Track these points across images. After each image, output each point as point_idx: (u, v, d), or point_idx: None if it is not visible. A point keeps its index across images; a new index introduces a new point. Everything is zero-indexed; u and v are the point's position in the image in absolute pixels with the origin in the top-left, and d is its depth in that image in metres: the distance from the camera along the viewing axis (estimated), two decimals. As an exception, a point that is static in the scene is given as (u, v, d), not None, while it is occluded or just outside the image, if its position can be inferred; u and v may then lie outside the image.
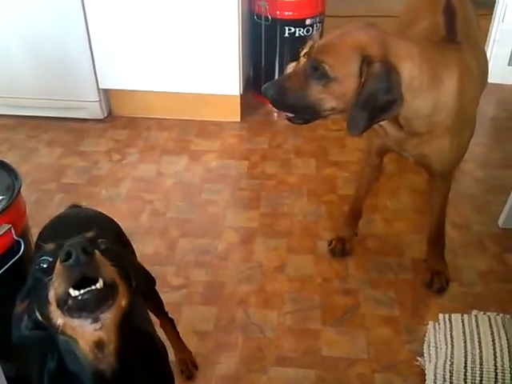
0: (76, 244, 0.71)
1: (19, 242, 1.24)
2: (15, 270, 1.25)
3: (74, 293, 0.71)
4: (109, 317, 0.75)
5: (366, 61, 1.23)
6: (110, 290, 0.74)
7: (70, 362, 0.81)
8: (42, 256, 0.79)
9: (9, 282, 1.26)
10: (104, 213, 1.27)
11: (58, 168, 2.34)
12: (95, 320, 0.74)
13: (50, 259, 0.77)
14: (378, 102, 1.25)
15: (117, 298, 0.75)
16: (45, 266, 0.78)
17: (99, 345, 0.78)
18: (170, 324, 1.41)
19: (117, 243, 1.15)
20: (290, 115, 1.37)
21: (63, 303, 0.72)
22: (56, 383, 0.85)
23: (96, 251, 0.73)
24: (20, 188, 1.29)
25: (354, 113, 1.28)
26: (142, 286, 0.91)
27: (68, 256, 0.70)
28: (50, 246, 0.80)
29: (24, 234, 1.30)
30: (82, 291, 0.71)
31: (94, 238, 0.80)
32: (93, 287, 0.71)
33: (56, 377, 0.84)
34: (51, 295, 0.74)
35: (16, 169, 1.34)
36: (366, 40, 1.25)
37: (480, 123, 2.66)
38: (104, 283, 0.72)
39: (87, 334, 0.76)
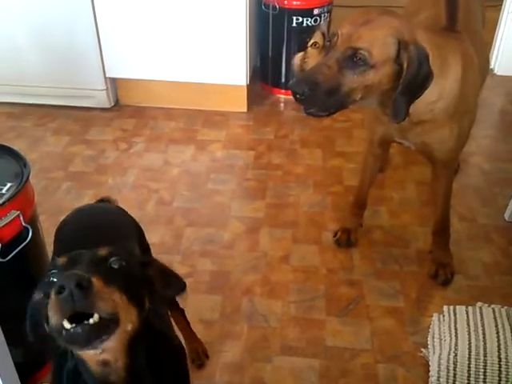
0: (70, 277, 0.67)
1: (27, 228, 1.25)
2: (23, 257, 1.26)
3: (66, 325, 0.68)
4: (110, 344, 0.73)
5: (402, 45, 1.23)
6: (106, 324, 0.70)
7: (82, 368, 0.81)
8: (53, 269, 0.77)
9: (17, 268, 1.28)
10: (125, 210, 1.26)
11: (65, 156, 2.35)
12: (93, 348, 0.72)
13: (59, 274, 0.76)
14: (418, 81, 1.26)
15: (116, 329, 0.72)
16: (54, 279, 0.76)
17: (105, 363, 0.77)
18: (180, 314, 1.41)
19: (136, 244, 1.15)
20: (313, 109, 1.31)
21: (57, 333, 0.70)
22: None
23: (94, 282, 0.69)
24: (29, 175, 1.30)
25: (397, 100, 1.28)
26: (174, 292, 0.89)
27: (61, 289, 0.67)
28: (61, 260, 0.78)
29: (32, 220, 1.31)
30: (73, 325, 0.68)
31: (106, 256, 0.77)
32: (85, 322, 0.68)
33: (74, 378, 0.84)
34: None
35: (24, 156, 1.35)
36: (399, 25, 1.25)
37: (488, 116, 2.68)
38: (100, 317, 0.69)
39: (90, 356, 0.76)
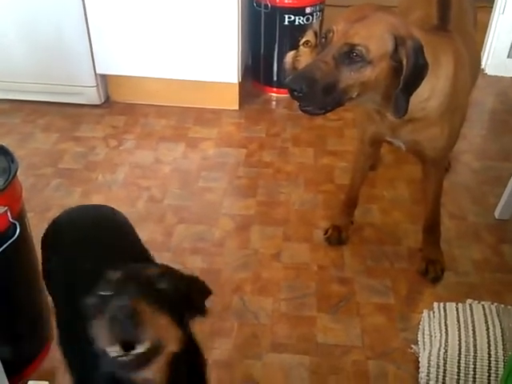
0: (122, 309, 0.68)
1: (15, 224, 1.24)
2: (11, 253, 1.25)
3: (113, 352, 0.69)
4: (154, 365, 0.73)
5: (399, 41, 1.22)
6: (152, 352, 0.71)
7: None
8: (105, 283, 0.77)
9: (4, 265, 1.26)
10: (119, 211, 1.25)
11: (54, 153, 2.33)
12: (137, 373, 0.73)
13: (110, 292, 0.76)
14: (416, 74, 1.26)
15: (162, 354, 0.73)
16: (107, 293, 0.76)
17: (147, 381, 0.77)
18: None
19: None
20: (309, 107, 1.28)
21: (103, 356, 0.71)
22: None
23: (144, 313, 0.69)
24: (16, 171, 1.28)
25: (398, 96, 1.27)
26: (199, 301, 0.88)
27: (112, 320, 0.68)
28: (115, 275, 0.78)
29: (20, 217, 1.30)
30: (120, 353, 0.68)
31: (156, 276, 0.78)
32: (132, 352, 0.68)
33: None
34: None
35: (12, 152, 1.34)
36: (395, 21, 1.25)
37: (478, 115, 2.69)
38: (147, 348, 0.70)
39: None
